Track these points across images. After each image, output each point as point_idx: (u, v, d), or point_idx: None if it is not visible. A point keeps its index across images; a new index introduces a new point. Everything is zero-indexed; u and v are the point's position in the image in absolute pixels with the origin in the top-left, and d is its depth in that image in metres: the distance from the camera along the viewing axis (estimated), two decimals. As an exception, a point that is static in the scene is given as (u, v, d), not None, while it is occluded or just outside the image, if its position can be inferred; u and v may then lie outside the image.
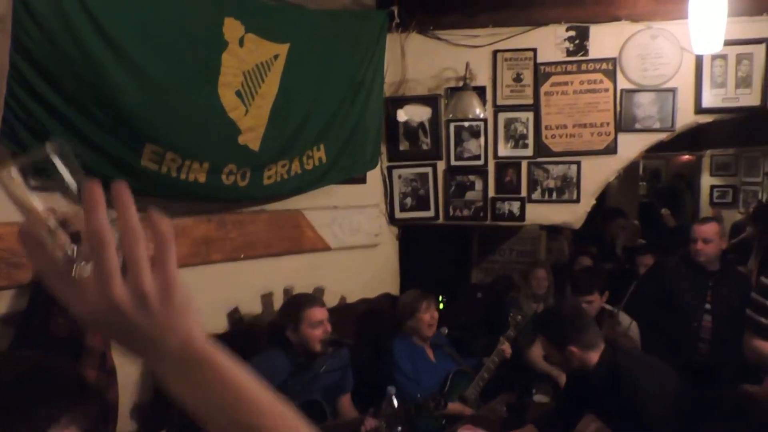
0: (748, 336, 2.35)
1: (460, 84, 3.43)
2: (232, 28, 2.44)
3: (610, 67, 3.43)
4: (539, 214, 3.67)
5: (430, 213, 3.75)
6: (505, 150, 3.63)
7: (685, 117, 3.40)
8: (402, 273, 3.97)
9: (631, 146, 3.50)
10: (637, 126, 3.45)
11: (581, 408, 2.32)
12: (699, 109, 3.37)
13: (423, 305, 3.07)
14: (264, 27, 2.60)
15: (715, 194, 8.18)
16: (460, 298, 4.40)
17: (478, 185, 3.69)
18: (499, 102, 3.59)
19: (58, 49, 1.94)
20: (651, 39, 3.36)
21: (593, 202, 3.65)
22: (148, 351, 0.54)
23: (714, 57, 3.29)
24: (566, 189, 3.59)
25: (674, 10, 3.16)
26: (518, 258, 4.58)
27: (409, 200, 3.76)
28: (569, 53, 3.48)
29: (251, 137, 2.60)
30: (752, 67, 3.28)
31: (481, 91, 3.54)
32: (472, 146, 3.66)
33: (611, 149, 3.49)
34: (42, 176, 0.52)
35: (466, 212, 3.72)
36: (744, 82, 3.31)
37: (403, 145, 3.69)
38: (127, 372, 2.40)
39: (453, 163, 3.69)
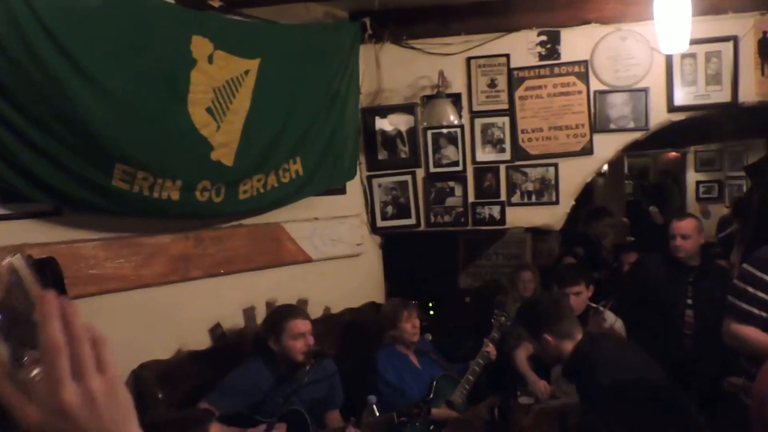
0: (728, 321, 2.34)
1: (435, 92, 3.46)
2: (201, 46, 2.46)
3: (583, 70, 3.47)
4: (519, 217, 3.70)
5: (412, 220, 3.77)
6: (483, 155, 3.66)
7: (659, 116, 3.44)
8: (389, 281, 3.98)
9: (607, 146, 3.53)
10: (612, 126, 3.49)
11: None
12: (671, 108, 3.41)
13: (404, 315, 3.07)
14: (233, 43, 2.62)
15: (701, 189, 8.25)
16: (448, 303, 4.41)
17: (458, 191, 3.71)
18: (475, 108, 3.62)
19: (20, 70, 1.95)
20: (621, 41, 3.40)
21: (572, 202, 3.67)
22: None
23: (683, 56, 3.33)
24: (545, 191, 3.61)
25: (642, 11, 3.20)
26: (505, 261, 4.60)
27: (389, 209, 3.78)
28: (542, 57, 3.51)
29: (224, 153, 2.62)
30: (721, 64, 3.33)
31: (456, 98, 3.58)
32: (450, 152, 3.68)
33: (587, 150, 3.52)
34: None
35: (447, 218, 3.74)
36: (714, 79, 3.36)
37: (382, 155, 3.72)
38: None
39: (432, 170, 3.71)
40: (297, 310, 2.80)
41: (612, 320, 3.24)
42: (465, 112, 3.62)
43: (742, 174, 7.71)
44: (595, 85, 3.47)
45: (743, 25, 3.26)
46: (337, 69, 3.27)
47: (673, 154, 8.93)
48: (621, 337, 2.54)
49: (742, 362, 2.41)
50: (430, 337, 3.29)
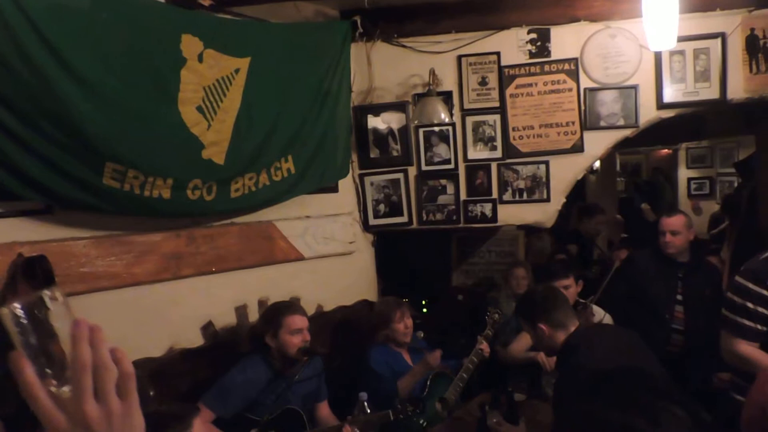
0: (727, 337, 2.30)
1: (426, 90, 3.47)
2: (190, 45, 2.47)
3: (573, 67, 3.49)
4: (511, 214, 3.71)
5: (404, 218, 3.78)
6: (474, 153, 3.68)
7: (648, 113, 3.46)
8: (382, 279, 3.99)
9: (598, 144, 3.55)
10: (602, 124, 3.51)
11: None
12: (661, 105, 3.44)
13: (397, 315, 3.09)
14: (223, 42, 2.63)
15: (693, 186, 8.31)
16: (441, 301, 4.43)
17: (450, 189, 3.72)
18: (466, 106, 3.63)
19: (10, 68, 1.95)
20: (610, 38, 3.43)
21: (563, 200, 3.69)
22: None
23: (672, 53, 3.36)
24: (536, 189, 3.63)
25: (630, 8, 3.22)
26: (497, 259, 4.62)
27: (382, 207, 3.79)
28: (532, 55, 3.53)
29: (215, 151, 2.62)
30: (709, 61, 3.35)
31: (447, 96, 3.59)
32: (442, 150, 3.70)
33: (578, 148, 3.54)
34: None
35: (439, 216, 3.76)
36: (702, 76, 3.38)
37: (374, 153, 3.73)
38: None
39: (424, 168, 3.72)
40: (295, 306, 2.81)
41: (601, 315, 3.27)
42: (456, 110, 3.64)
43: (733, 171, 7.77)
44: (585, 83, 3.49)
45: (731, 22, 3.29)
46: (328, 67, 3.28)
47: (665, 151, 8.99)
48: (619, 329, 2.53)
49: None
50: (422, 335, 3.30)
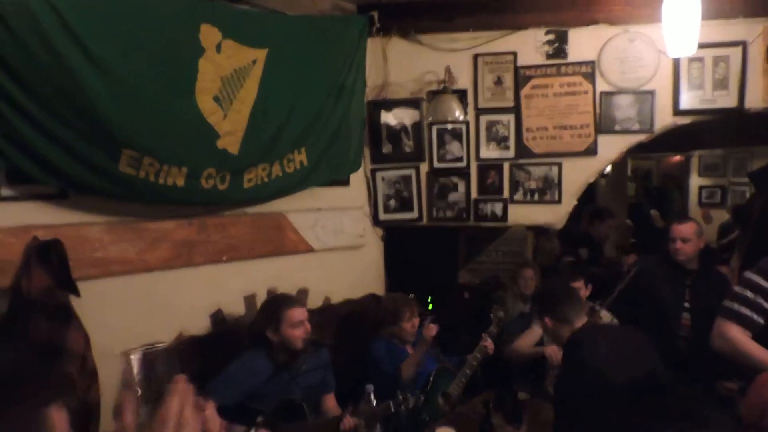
0: (721, 322, 2.31)
1: (441, 87, 3.47)
2: (209, 35, 2.48)
3: (590, 70, 3.48)
4: (521, 214, 3.71)
5: (414, 214, 3.79)
6: (487, 152, 3.68)
7: (664, 118, 3.44)
8: (389, 274, 4.01)
9: (611, 147, 3.54)
10: (617, 128, 3.50)
11: None
12: (677, 111, 3.42)
13: (406, 314, 3.10)
14: (241, 33, 2.63)
15: (704, 194, 8.24)
16: (446, 298, 4.43)
17: (461, 187, 3.73)
18: (481, 105, 3.63)
19: (30, 54, 1.97)
20: (629, 42, 3.41)
21: (575, 202, 3.68)
22: None
23: (691, 59, 3.34)
24: (548, 190, 3.63)
25: (650, 13, 3.20)
26: (505, 258, 4.62)
27: (392, 202, 3.80)
28: (549, 56, 3.52)
29: (230, 141, 2.64)
30: (729, 69, 3.33)
31: (462, 94, 3.59)
32: (455, 148, 3.70)
33: (591, 151, 3.53)
34: None
35: (449, 213, 3.77)
36: (721, 84, 3.36)
37: (386, 148, 3.73)
38: (108, 373, 2.43)
39: (436, 165, 3.73)
40: (292, 298, 2.81)
41: (608, 319, 3.26)
42: (470, 109, 3.63)
43: (746, 180, 7.70)
44: (601, 86, 3.48)
45: (752, 30, 3.27)
46: (344, 61, 3.28)
47: (677, 157, 8.93)
48: (625, 329, 2.53)
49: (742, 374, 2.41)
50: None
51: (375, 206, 3.81)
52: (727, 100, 3.36)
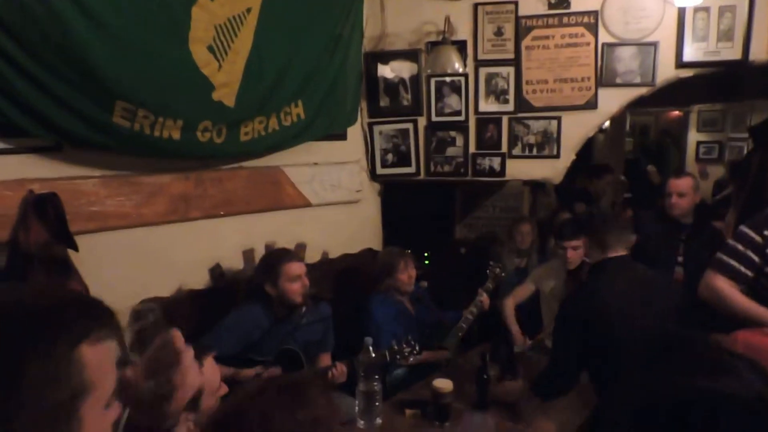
0: (710, 273, 2.31)
1: (441, 38, 3.39)
2: (202, -19, 2.38)
3: (592, 21, 3.39)
4: (520, 169, 3.69)
5: (411, 169, 3.77)
6: (486, 105, 3.62)
7: (666, 71, 3.38)
8: (386, 229, 4.01)
9: (612, 101, 3.49)
10: (618, 81, 3.44)
11: None
12: (680, 63, 3.35)
13: (401, 265, 3.11)
14: (235, -21, 2.54)
15: (701, 150, 8.22)
16: (443, 253, 4.46)
17: (459, 141, 3.69)
18: (480, 56, 3.55)
19: (21, 5, 1.90)
20: (633, -9, 3.31)
21: (573, 157, 3.66)
22: None
23: (696, 9, 3.25)
24: (546, 144, 3.60)
25: (657, -40, 3.10)
26: (501, 214, 4.63)
27: (390, 156, 3.77)
28: (551, 6, 3.42)
29: (225, 93, 2.58)
30: (735, 20, 3.25)
31: (462, 46, 3.51)
32: (453, 102, 3.64)
33: (592, 104, 3.48)
34: None
35: (447, 168, 3.74)
36: (726, 35, 3.29)
37: (384, 101, 3.67)
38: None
39: (434, 118, 3.68)
40: (290, 253, 2.82)
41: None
42: (470, 61, 3.56)
43: (744, 136, 7.66)
44: (603, 38, 3.40)
45: (761, -21, 3.17)
46: (341, 12, 3.19)
47: (676, 112, 8.85)
48: (660, 280, 2.49)
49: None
50: (425, 284, 3.34)
51: (372, 160, 3.78)
52: (731, 52, 3.29)
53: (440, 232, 4.62)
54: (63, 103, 2.10)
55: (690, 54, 3.33)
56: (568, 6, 3.41)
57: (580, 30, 3.42)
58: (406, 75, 3.63)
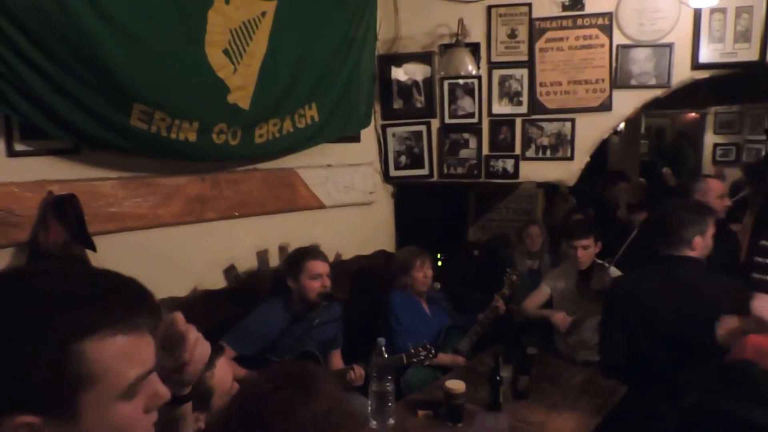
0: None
1: (454, 41, 3.40)
2: (218, -15, 2.42)
3: (606, 22, 3.37)
4: (533, 171, 3.68)
5: (425, 171, 3.78)
6: (499, 107, 3.62)
7: (682, 73, 3.35)
8: (399, 231, 4.02)
9: (626, 103, 3.47)
10: (633, 82, 3.42)
11: None
12: (696, 65, 3.32)
13: (417, 263, 3.12)
14: (250, -17, 2.57)
15: (718, 152, 8.12)
16: (456, 255, 4.46)
17: (473, 143, 3.69)
18: (494, 59, 3.56)
19: (40, 8, 1.94)
20: (648, -8, 3.29)
21: (587, 159, 3.64)
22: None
23: (713, 10, 3.22)
24: (560, 146, 3.59)
25: (672, -39, 3.08)
26: (515, 216, 4.62)
27: (403, 158, 3.78)
28: (565, 8, 3.42)
29: (241, 96, 2.61)
30: (752, 20, 3.21)
31: (475, 48, 3.51)
32: (467, 104, 3.64)
33: (606, 106, 3.47)
34: None
35: (460, 170, 3.75)
36: (743, 36, 3.25)
37: (397, 103, 3.69)
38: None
39: (447, 120, 3.68)
40: (317, 251, 2.86)
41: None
42: (483, 63, 3.56)
43: (762, 138, 7.57)
44: (618, 39, 3.38)
45: (778, -20, 3.14)
46: (355, 14, 3.21)
47: (692, 114, 8.75)
48: (703, 285, 2.35)
49: None
50: (438, 286, 3.34)
51: (386, 162, 3.79)
52: (748, 53, 3.25)
53: (453, 234, 4.62)
54: (82, 106, 2.15)
55: (706, 55, 3.30)
56: (582, 8, 3.40)
57: (595, 32, 3.41)
58: (419, 77, 3.65)
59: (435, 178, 3.79)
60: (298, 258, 2.73)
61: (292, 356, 2.62)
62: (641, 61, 3.40)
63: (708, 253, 2.37)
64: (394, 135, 3.75)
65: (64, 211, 2.24)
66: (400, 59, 3.62)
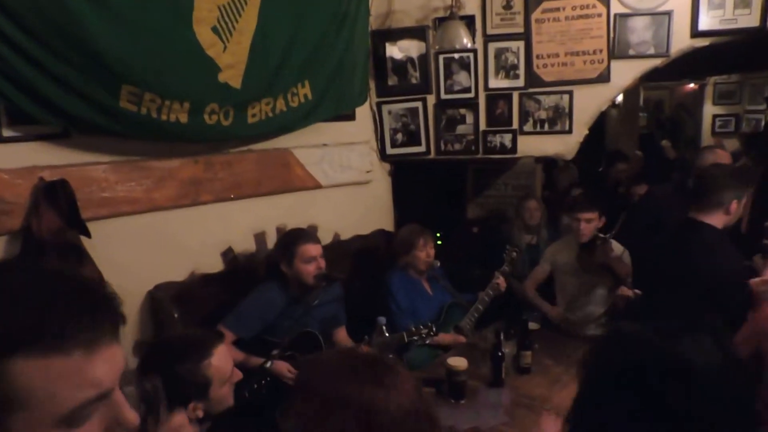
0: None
1: (448, 14, 3.32)
2: (204, -40, 2.35)
3: (604, -10, 3.31)
4: (531, 145, 3.64)
5: (422, 148, 3.73)
6: (495, 81, 3.57)
7: (681, 41, 3.29)
8: (397, 209, 4.00)
9: (625, 74, 3.41)
10: (631, 52, 3.36)
11: None
12: (695, 33, 3.26)
13: (420, 242, 3.10)
14: (238, -43, 2.50)
15: (718, 123, 8.07)
16: (455, 232, 4.44)
17: (469, 118, 3.64)
18: (489, 31, 3.49)
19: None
20: (646, -42, 3.22)
21: (586, 132, 3.60)
22: None
23: (712, -25, 3.16)
24: (558, 119, 3.54)
25: (670, -75, 3.00)
26: (514, 192, 4.58)
27: (399, 136, 3.74)
28: (561, -23, 3.34)
29: (232, 74, 2.56)
30: (753, -16, 3.15)
31: (470, 21, 3.45)
32: (462, 78, 3.59)
33: (604, 77, 3.41)
34: None
35: (457, 146, 3.70)
36: (743, 2, 3.19)
37: (392, 80, 3.63)
38: (127, 309, 2.47)
39: (443, 96, 3.63)
40: (307, 234, 2.82)
41: (619, 251, 3.26)
42: (478, 36, 3.50)
43: (761, 108, 7.50)
44: (615, 8, 3.32)
45: (779, -58, 3.06)
46: (346, -13, 3.13)
47: (691, 86, 8.67)
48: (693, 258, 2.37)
49: None
50: (438, 264, 3.32)
51: (382, 140, 3.75)
52: (748, 19, 3.19)
53: (452, 211, 4.59)
54: (69, 88, 2.09)
55: (705, 23, 3.23)
56: (578, -24, 3.32)
57: (592, 1, 3.34)
58: (414, 53, 3.58)
59: (432, 155, 3.75)
60: (290, 242, 2.68)
61: (292, 337, 2.60)
62: (639, 30, 3.33)
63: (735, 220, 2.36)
64: (389, 112, 3.70)
65: (56, 197, 2.21)
66: (394, 35, 3.55)
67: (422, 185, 4.16)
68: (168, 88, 2.33)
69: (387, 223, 3.87)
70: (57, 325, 0.63)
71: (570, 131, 3.54)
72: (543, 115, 3.55)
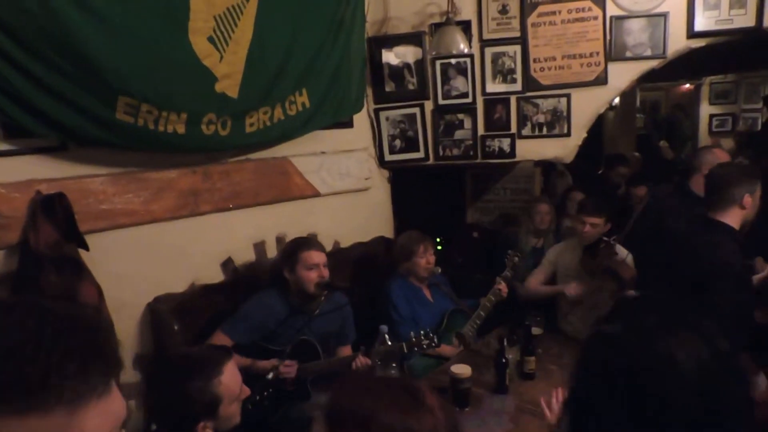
0: None
1: (444, 19, 3.32)
2: (199, -30, 2.34)
3: (599, -7, 3.31)
4: (530, 149, 3.64)
5: (420, 154, 3.72)
6: (493, 86, 3.56)
7: (677, 42, 3.30)
8: (397, 215, 3.98)
9: (622, 76, 3.41)
10: (628, 54, 3.36)
11: None
12: (691, 34, 3.27)
13: (420, 249, 3.08)
14: (233, -33, 2.49)
15: (714, 123, 8.08)
16: (455, 238, 4.43)
17: (467, 123, 3.64)
18: (486, 36, 3.49)
19: (18, 2, 1.87)
20: (641, -40, 3.22)
21: (584, 135, 3.60)
22: None
23: (708, -24, 3.16)
24: (556, 123, 3.54)
25: (665, -73, 3.01)
26: (513, 196, 4.59)
27: (398, 142, 3.73)
28: (556, -20, 3.35)
29: (228, 84, 2.54)
30: (748, -15, 3.16)
31: (466, 26, 3.44)
32: (460, 84, 3.58)
33: (601, 80, 3.41)
34: None
35: (456, 151, 3.69)
36: (738, 2, 3.19)
37: (389, 86, 3.62)
38: (123, 326, 2.45)
39: (441, 102, 3.62)
40: (312, 241, 2.81)
41: (623, 254, 3.25)
42: (475, 41, 3.50)
43: (758, 107, 7.52)
44: (611, 10, 3.32)
45: (774, -58, 3.07)
46: (342, -5, 3.13)
47: (687, 86, 8.69)
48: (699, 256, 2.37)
49: None
50: (439, 270, 3.30)
51: (380, 147, 3.74)
52: (744, 19, 3.20)
53: (452, 216, 4.58)
54: (65, 101, 2.08)
55: (702, 23, 3.24)
56: (573, -21, 3.32)
57: (587, 4, 3.34)
58: (410, 59, 3.58)
59: (431, 161, 3.74)
60: (294, 249, 2.67)
61: (291, 346, 2.58)
62: (636, 32, 3.33)
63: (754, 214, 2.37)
64: (387, 119, 3.69)
65: (53, 210, 2.19)
66: (391, 41, 3.55)
67: (421, 191, 4.15)
68: (165, 99, 2.31)
69: (387, 230, 3.85)
70: (36, 381, 0.55)
71: (568, 134, 3.53)
72: (541, 118, 3.55)
